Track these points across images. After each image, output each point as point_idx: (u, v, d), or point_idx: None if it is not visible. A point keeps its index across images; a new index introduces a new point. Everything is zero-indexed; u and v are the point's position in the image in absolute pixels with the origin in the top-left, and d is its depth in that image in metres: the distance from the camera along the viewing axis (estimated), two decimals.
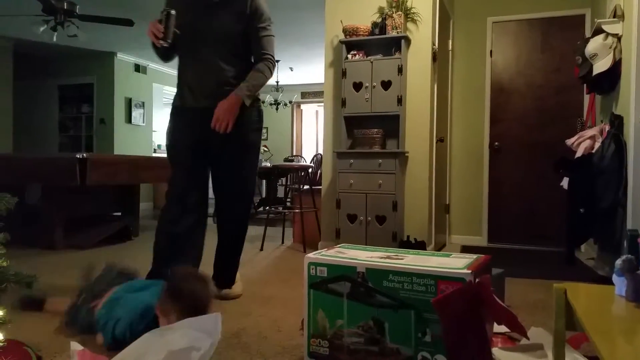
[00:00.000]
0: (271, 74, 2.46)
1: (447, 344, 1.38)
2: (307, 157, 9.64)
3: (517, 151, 4.66)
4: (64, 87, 8.28)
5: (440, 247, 4.34)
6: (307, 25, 6.14)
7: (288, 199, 6.68)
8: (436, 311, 1.39)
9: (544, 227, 4.51)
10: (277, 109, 9.35)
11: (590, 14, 4.37)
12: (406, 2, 3.80)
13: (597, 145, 3.13)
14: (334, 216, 3.85)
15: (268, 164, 7.66)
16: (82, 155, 3.86)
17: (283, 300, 2.55)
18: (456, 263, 1.53)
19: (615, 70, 3.11)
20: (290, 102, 9.87)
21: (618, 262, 1.27)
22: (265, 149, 8.97)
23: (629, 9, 2.93)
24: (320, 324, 1.63)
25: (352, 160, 3.75)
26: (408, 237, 3.73)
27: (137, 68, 8.19)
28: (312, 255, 1.67)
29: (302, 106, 10.81)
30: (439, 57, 4.10)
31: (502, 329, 1.72)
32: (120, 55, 7.84)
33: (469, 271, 1.42)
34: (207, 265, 2.49)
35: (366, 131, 3.80)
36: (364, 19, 3.90)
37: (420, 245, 3.60)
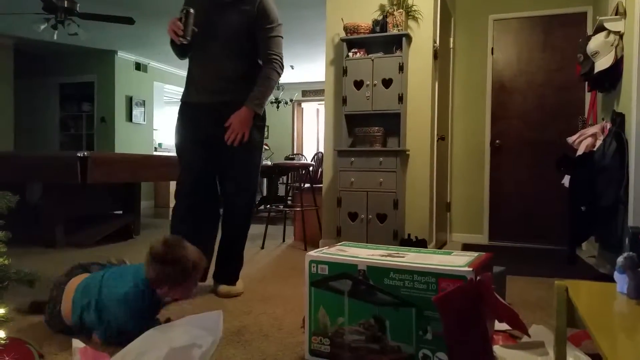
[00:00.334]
0: (279, 75, 2.49)
1: (448, 341, 1.38)
2: (308, 156, 9.64)
3: (519, 149, 4.66)
4: (64, 86, 8.28)
5: (441, 245, 4.34)
6: (308, 23, 6.13)
7: (289, 197, 6.68)
8: (437, 309, 1.39)
9: (545, 225, 4.51)
10: (277, 107, 9.35)
11: (592, 12, 4.36)
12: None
13: (599, 143, 3.13)
14: (335, 214, 3.85)
15: (269, 163, 7.66)
16: (83, 154, 3.86)
17: (284, 298, 2.55)
18: (457, 261, 1.52)
19: (617, 68, 3.11)
20: (291, 100, 9.87)
21: (620, 259, 1.27)
22: (266, 147, 8.96)
23: (631, 6, 2.92)
24: (322, 322, 1.63)
25: (353, 159, 3.75)
26: (409, 235, 3.73)
27: (138, 66, 8.18)
28: (313, 253, 1.67)
29: (303, 104, 10.80)
30: (440, 55, 4.09)
31: (503, 326, 1.73)
32: (120, 54, 7.84)
33: (470, 269, 1.42)
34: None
35: (367, 129, 3.80)
36: (365, 17, 3.90)
37: (421, 243, 3.60)
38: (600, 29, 3.23)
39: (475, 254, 1.64)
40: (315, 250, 1.72)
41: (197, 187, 2.51)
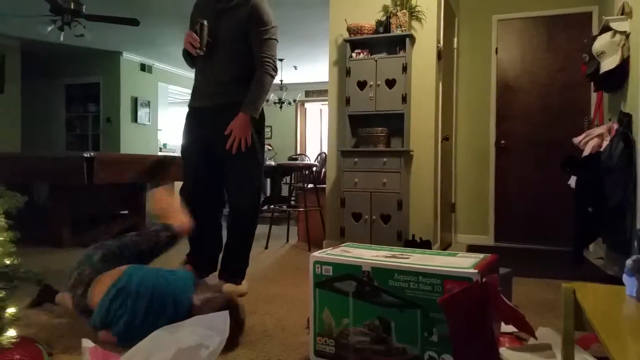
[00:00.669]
0: (272, 77, 2.52)
1: (454, 343, 1.38)
2: (312, 156, 9.63)
3: (524, 149, 4.64)
4: (70, 87, 8.32)
5: (446, 247, 4.33)
6: (312, 23, 6.14)
7: (292, 198, 6.68)
8: (443, 311, 1.39)
9: (552, 226, 4.48)
10: (281, 107, 9.35)
11: (598, 12, 4.34)
12: (411, 0, 3.78)
13: (605, 143, 3.11)
14: (339, 215, 3.85)
15: (272, 163, 7.66)
16: (90, 154, 3.88)
17: (288, 298, 2.55)
18: (463, 262, 1.52)
19: (623, 68, 3.09)
20: (294, 100, 9.87)
21: (628, 262, 1.26)
22: (270, 147, 8.97)
23: (638, 6, 2.90)
24: (326, 323, 1.63)
25: (356, 159, 3.75)
26: (413, 236, 3.72)
27: (143, 67, 8.21)
28: (317, 254, 1.67)
29: (306, 105, 10.80)
30: (443, 56, 4.08)
31: (510, 328, 1.72)
32: (126, 55, 7.87)
33: (476, 271, 1.41)
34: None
35: (370, 130, 3.80)
36: (368, 18, 3.90)
37: (425, 245, 3.59)
38: (606, 29, 3.22)
39: (481, 255, 1.64)
40: (319, 251, 1.72)
41: (197, 189, 2.58)
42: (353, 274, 1.58)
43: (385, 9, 3.88)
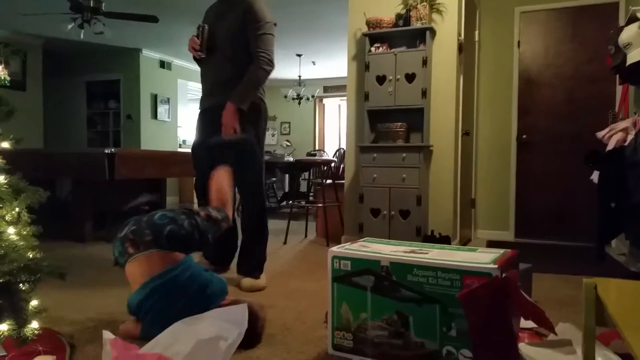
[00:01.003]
0: (265, 71, 2.55)
1: (473, 338, 1.37)
2: (330, 152, 9.63)
3: (546, 144, 4.56)
4: (91, 84, 8.47)
5: (465, 242, 4.29)
6: (330, 18, 6.12)
7: (311, 193, 6.69)
8: (462, 306, 1.38)
9: (573, 221, 4.41)
10: (299, 103, 9.36)
11: (625, 2, 4.23)
12: None
13: (630, 137, 3.03)
14: (357, 210, 3.84)
15: (291, 159, 7.68)
16: (111, 151, 3.94)
17: (307, 292, 2.56)
18: (482, 258, 1.50)
19: None
20: (313, 96, 9.87)
21: None
22: (288, 143, 9.00)
23: None
24: (344, 317, 1.63)
25: (375, 155, 3.73)
26: (432, 231, 3.70)
27: (162, 64, 8.31)
28: (335, 249, 1.67)
29: (325, 100, 10.79)
30: (464, 49, 4.03)
31: (529, 324, 1.70)
32: (145, 52, 7.97)
33: (496, 266, 1.40)
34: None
35: (390, 125, 3.77)
36: (387, 11, 3.86)
37: (444, 240, 3.57)
38: (633, 19, 3.13)
39: (501, 250, 1.62)
40: (338, 246, 1.72)
41: (204, 187, 2.61)
42: (371, 268, 1.58)
43: (405, 2, 3.84)
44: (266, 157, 7.75)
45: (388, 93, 3.74)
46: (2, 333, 1.32)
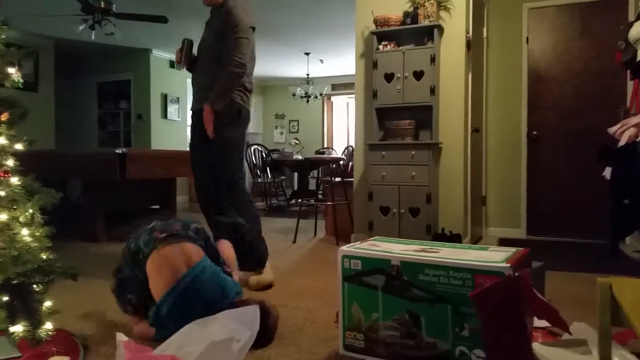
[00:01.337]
0: (236, 73, 2.57)
1: (486, 338, 1.36)
2: (339, 150, 9.62)
3: (557, 140, 4.52)
4: (102, 84, 8.54)
5: (476, 240, 4.26)
6: (338, 17, 6.10)
7: (320, 192, 6.70)
8: (474, 305, 1.37)
9: (586, 218, 4.36)
10: (307, 101, 9.35)
11: None
12: None
13: None
14: (367, 208, 3.84)
15: (299, 157, 7.69)
16: (122, 151, 3.97)
17: (317, 292, 2.56)
18: (494, 256, 1.49)
19: None
20: (321, 94, 9.86)
21: None
22: (297, 141, 9.00)
23: None
24: (355, 317, 1.63)
25: (384, 152, 3.72)
26: (443, 229, 3.68)
27: (172, 64, 8.34)
28: (345, 248, 1.67)
29: (333, 98, 10.78)
30: (473, 46, 4.00)
31: (543, 323, 1.68)
32: (155, 52, 8.01)
33: (508, 265, 1.38)
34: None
35: (398, 122, 3.76)
36: (395, 9, 3.85)
37: (455, 238, 3.54)
38: None
39: (513, 249, 1.61)
40: (348, 245, 1.71)
41: (199, 185, 2.76)
42: (382, 268, 1.57)
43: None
44: (275, 156, 7.78)
45: (396, 91, 3.72)
46: (17, 334, 1.34)
